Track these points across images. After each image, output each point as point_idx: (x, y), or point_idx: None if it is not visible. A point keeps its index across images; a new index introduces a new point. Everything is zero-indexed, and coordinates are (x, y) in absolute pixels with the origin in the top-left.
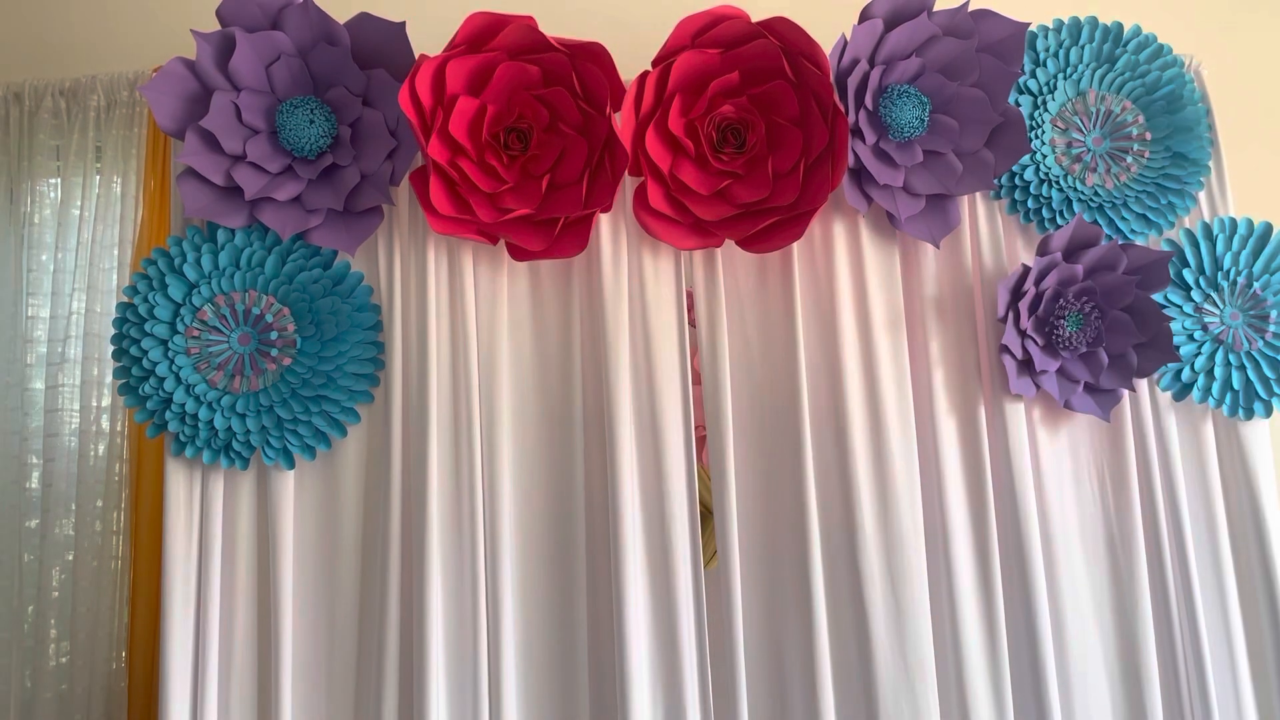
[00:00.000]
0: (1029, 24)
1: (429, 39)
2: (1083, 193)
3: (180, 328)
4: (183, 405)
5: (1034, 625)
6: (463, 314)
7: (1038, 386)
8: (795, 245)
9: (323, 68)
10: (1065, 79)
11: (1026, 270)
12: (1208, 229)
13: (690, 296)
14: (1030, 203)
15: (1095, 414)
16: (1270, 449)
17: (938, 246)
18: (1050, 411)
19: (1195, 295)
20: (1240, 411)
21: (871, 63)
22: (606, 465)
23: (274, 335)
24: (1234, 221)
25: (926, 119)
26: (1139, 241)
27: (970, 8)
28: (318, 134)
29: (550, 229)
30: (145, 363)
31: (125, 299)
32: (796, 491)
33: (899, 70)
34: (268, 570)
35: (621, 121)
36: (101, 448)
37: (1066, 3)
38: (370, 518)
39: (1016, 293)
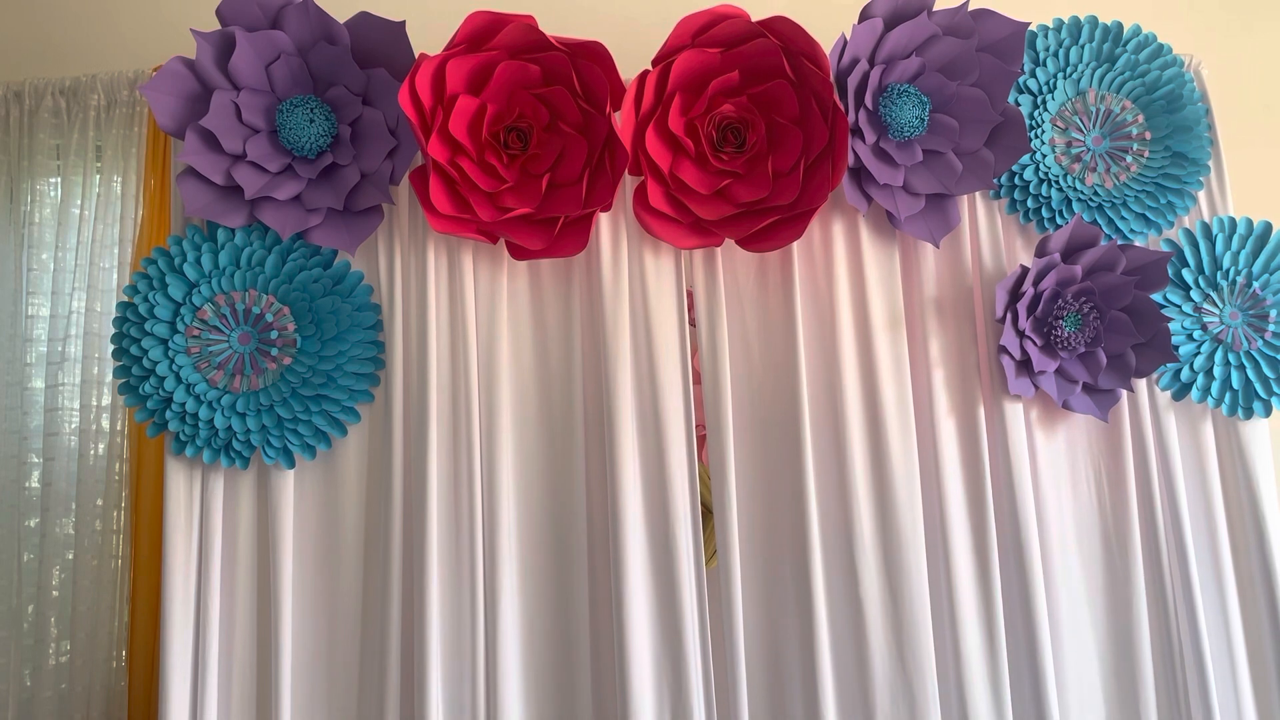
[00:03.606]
0: (1029, 23)
1: (429, 38)
2: (1082, 192)
3: (180, 327)
4: (183, 404)
5: (1032, 624)
6: (463, 313)
7: (1036, 387)
8: (795, 244)
9: (323, 67)
10: (1065, 78)
11: (1025, 271)
12: (1207, 228)
13: (690, 296)
14: (1030, 202)
15: (1093, 414)
16: (1270, 448)
17: (937, 246)
18: (1049, 411)
19: (1195, 295)
20: (1239, 411)
21: (871, 62)
22: (607, 464)
23: (274, 334)
24: (1233, 221)
25: (926, 118)
26: (1138, 241)
27: (970, 7)
28: (318, 133)
29: (550, 228)
30: (145, 362)
31: (125, 298)
32: (796, 490)
33: (899, 70)
34: (268, 570)
35: (621, 120)
36: (101, 447)
37: (1066, 2)
38: (371, 516)
39: (1015, 293)
